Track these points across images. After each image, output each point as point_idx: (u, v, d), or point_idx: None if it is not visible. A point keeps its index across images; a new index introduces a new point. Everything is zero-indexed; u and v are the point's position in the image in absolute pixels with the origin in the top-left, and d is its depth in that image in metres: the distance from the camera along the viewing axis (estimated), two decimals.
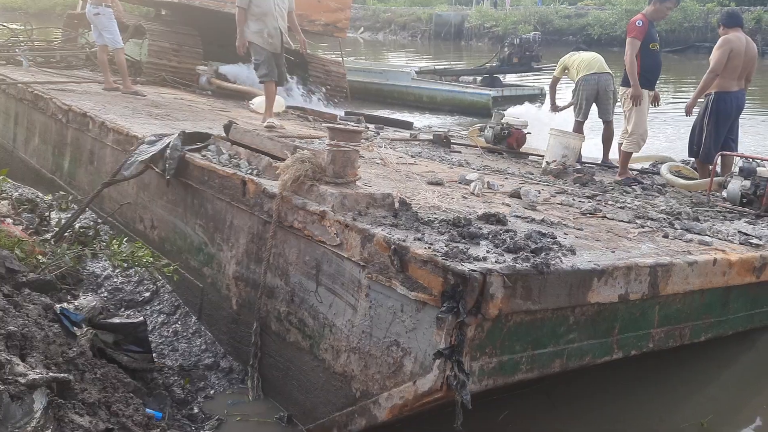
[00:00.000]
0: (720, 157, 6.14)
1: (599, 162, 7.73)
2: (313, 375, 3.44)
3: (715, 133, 6.33)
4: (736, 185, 5.57)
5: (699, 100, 6.52)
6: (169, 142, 4.63)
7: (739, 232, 4.44)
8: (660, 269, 3.37)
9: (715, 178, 5.88)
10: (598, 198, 5.24)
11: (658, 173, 7.15)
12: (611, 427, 3.71)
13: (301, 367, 3.53)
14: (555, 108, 8.53)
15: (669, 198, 5.70)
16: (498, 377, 2.91)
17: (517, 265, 2.80)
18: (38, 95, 7.31)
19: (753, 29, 25.43)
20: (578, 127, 7.82)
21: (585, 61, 7.88)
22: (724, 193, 5.72)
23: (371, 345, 3.08)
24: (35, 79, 8.31)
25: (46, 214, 5.68)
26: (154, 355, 3.82)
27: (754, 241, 4.26)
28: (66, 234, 4.95)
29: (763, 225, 4.86)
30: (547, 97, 9.12)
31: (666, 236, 4.07)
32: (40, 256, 4.10)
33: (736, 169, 5.85)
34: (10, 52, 10.62)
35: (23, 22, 13.61)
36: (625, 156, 6.70)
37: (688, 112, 6.56)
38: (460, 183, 5.04)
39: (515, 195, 4.74)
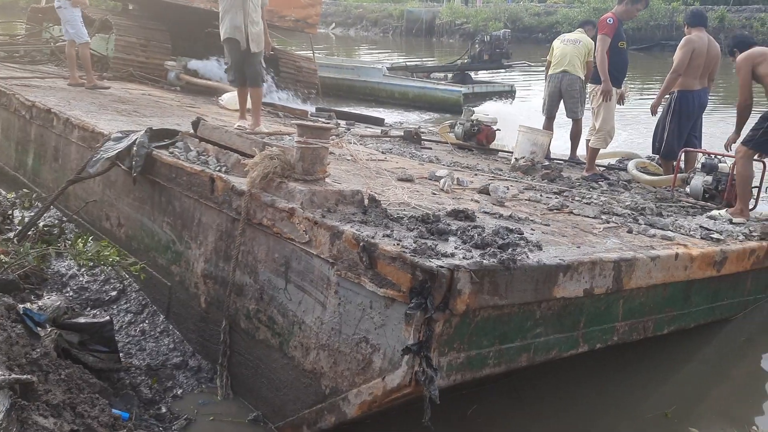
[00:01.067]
0: (683, 153, 6.28)
1: (567, 158, 7.82)
2: (283, 373, 3.44)
3: (677, 131, 6.46)
4: (699, 181, 5.71)
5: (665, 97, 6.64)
6: (136, 139, 4.57)
7: (700, 227, 4.55)
8: (624, 264, 3.44)
9: (678, 175, 6.01)
10: (565, 194, 5.32)
11: (624, 169, 7.28)
12: (578, 419, 3.77)
13: (270, 365, 3.52)
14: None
15: (634, 194, 5.81)
16: (466, 372, 2.94)
17: (484, 261, 2.84)
18: (0, 91, 7.14)
19: (716, 28, 25.98)
20: (547, 124, 7.89)
21: (557, 56, 7.87)
22: (687, 189, 5.86)
23: (340, 342, 3.08)
24: None
25: (9, 212, 5.55)
26: (120, 354, 3.77)
27: (715, 235, 4.37)
28: (30, 233, 4.85)
29: (724, 220, 4.98)
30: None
31: (630, 231, 4.15)
32: (2, 256, 4.02)
33: (699, 165, 6.00)
34: None
35: None
36: (593, 152, 6.80)
37: (653, 112, 6.68)
38: (430, 179, 5.07)
39: (484, 191, 4.79)
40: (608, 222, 4.34)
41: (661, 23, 30.57)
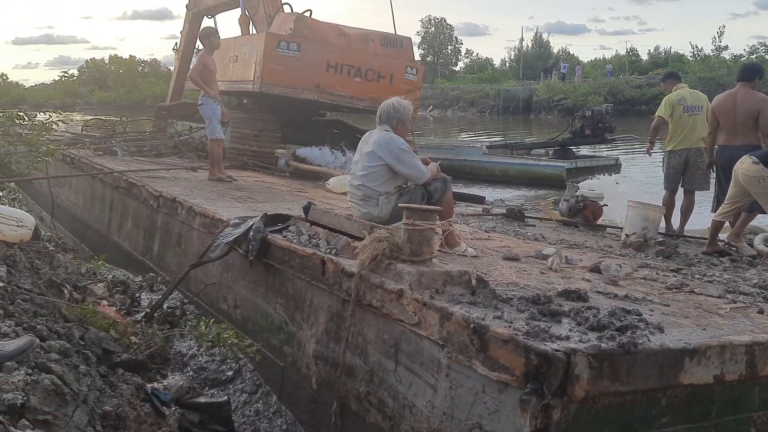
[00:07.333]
0: None
1: (675, 233, 7.44)
2: None
3: (718, 187, 6.19)
4: None
5: None
6: (253, 224, 4.83)
7: None
8: (758, 348, 3.18)
9: None
10: (683, 272, 5.04)
11: (749, 244, 6.80)
12: None
13: None
14: (650, 149, 8.32)
15: (762, 270, 5.41)
16: None
17: (603, 345, 2.73)
18: (132, 183, 7.82)
19: None
20: (669, 197, 7.68)
21: (686, 128, 7.48)
22: None
23: (453, 427, 3.02)
24: (129, 168, 8.92)
25: (137, 294, 5.96)
26: None
27: None
28: (155, 314, 5.16)
29: None
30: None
31: (761, 312, 3.85)
32: (132, 337, 4.29)
33: None
34: (107, 143, 11.48)
35: (120, 115, 14.76)
36: (716, 227, 6.36)
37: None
38: (536, 258, 4.99)
39: (595, 269, 4.63)
40: (735, 302, 4.06)
41: None
